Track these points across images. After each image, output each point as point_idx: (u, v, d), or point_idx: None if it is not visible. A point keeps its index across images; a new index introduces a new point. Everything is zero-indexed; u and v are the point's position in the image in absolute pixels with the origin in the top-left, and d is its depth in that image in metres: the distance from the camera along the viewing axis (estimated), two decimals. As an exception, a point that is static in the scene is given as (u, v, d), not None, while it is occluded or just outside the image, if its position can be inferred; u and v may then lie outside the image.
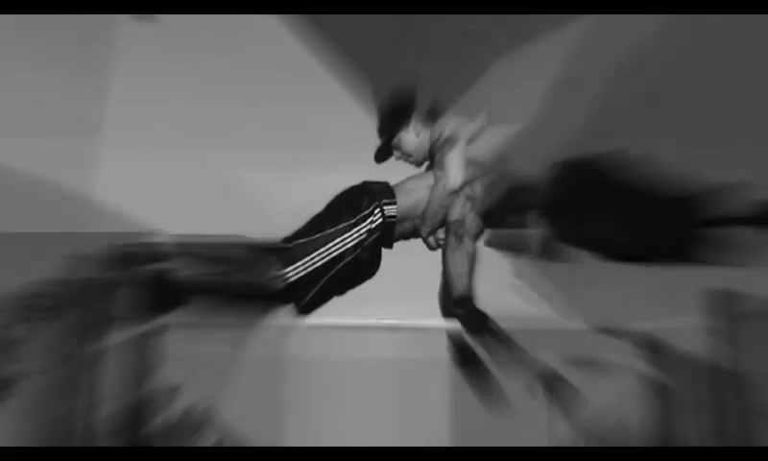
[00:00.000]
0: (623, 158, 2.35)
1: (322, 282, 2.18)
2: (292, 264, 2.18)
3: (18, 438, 1.86)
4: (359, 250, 2.21)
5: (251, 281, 2.21)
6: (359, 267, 2.23)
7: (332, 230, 2.21)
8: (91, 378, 1.91)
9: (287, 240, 2.23)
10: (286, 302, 2.19)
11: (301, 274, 2.17)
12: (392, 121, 2.44)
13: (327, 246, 2.19)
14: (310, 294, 2.18)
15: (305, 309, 2.21)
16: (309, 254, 2.19)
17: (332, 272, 2.19)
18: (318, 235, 2.21)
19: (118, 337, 2.12)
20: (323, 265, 2.18)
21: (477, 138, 2.35)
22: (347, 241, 2.20)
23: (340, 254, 2.19)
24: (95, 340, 1.93)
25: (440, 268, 2.39)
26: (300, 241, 2.21)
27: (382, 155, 2.48)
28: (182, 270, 2.21)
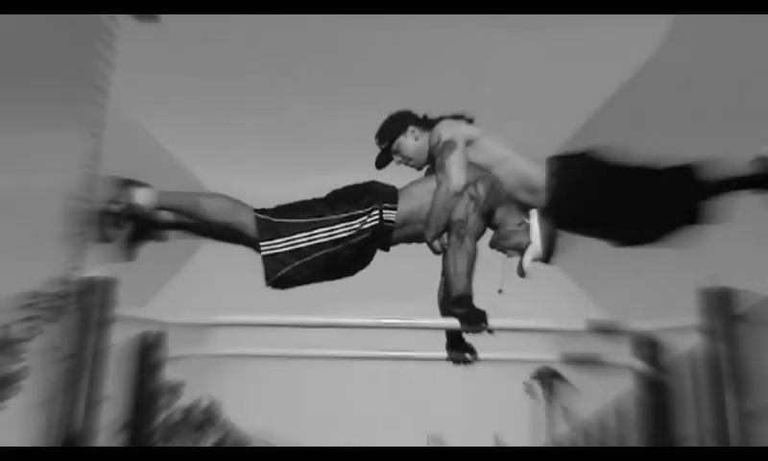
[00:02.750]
0: (613, 150, 2.37)
1: (293, 265, 2.19)
2: (272, 239, 2.19)
3: (20, 437, 1.86)
4: (341, 245, 2.22)
5: (228, 232, 2.25)
6: (338, 262, 2.24)
7: (320, 218, 2.22)
8: (93, 378, 1.91)
9: (275, 212, 2.24)
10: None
11: (275, 251, 2.19)
12: (390, 126, 2.44)
13: (310, 232, 2.20)
14: (280, 272, 2.19)
15: (275, 285, 2.21)
16: (291, 235, 2.20)
17: (307, 259, 2.20)
18: (306, 220, 2.22)
19: (120, 337, 2.13)
20: (300, 249, 2.19)
21: (476, 140, 2.35)
22: (331, 233, 2.21)
23: (320, 243, 2.20)
24: (97, 339, 1.93)
25: (438, 268, 2.39)
26: (286, 220, 2.22)
27: (382, 161, 2.48)
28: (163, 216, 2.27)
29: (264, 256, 2.19)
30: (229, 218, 2.23)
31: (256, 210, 2.24)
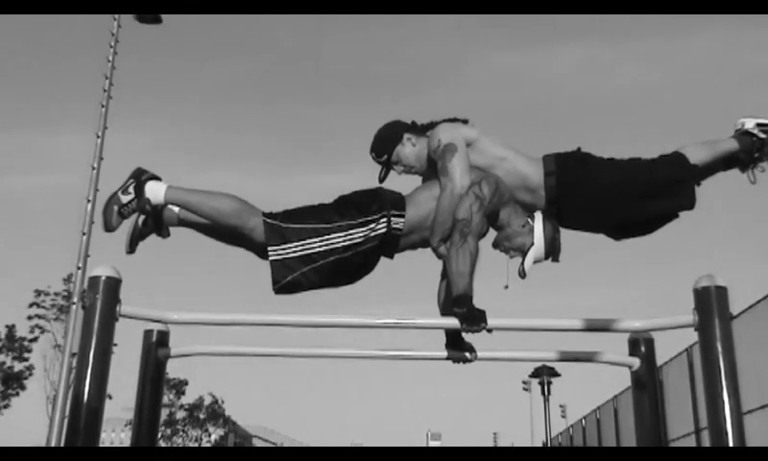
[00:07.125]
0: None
1: (302, 271, 2.18)
2: (280, 244, 2.17)
3: (23, 436, 1.88)
4: (350, 252, 2.20)
5: (235, 234, 2.23)
6: (346, 269, 2.23)
7: (330, 224, 2.20)
8: (97, 376, 1.93)
9: (284, 217, 2.22)
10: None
11: (283, 256, 2.17)
12: (385, 138, 2.42)
13: (320, 238, 2.19)
14: (287, 278, 2.18)
15: (282, 290, 2.20)
16: (300, 241, 2.18)
17: (316, 265, 2.19)
18: (315, 225, 2.20)
19: (124, 335, 2.14)
20: (309, 255, 2.18)
21: (475, 141, 2.35)
22: (340, 240, 2.20)
23: (330, 249, 2.19)
24: (101, 337, 1.95)
25: (437, 269, 2.41)
26: (295, 226, 2.20)
27: (384, 174, 2.44)
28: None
29: (272, 262, 2.17)
30: (237, 220, 2.19)
31: (265, 214, 2.21)
